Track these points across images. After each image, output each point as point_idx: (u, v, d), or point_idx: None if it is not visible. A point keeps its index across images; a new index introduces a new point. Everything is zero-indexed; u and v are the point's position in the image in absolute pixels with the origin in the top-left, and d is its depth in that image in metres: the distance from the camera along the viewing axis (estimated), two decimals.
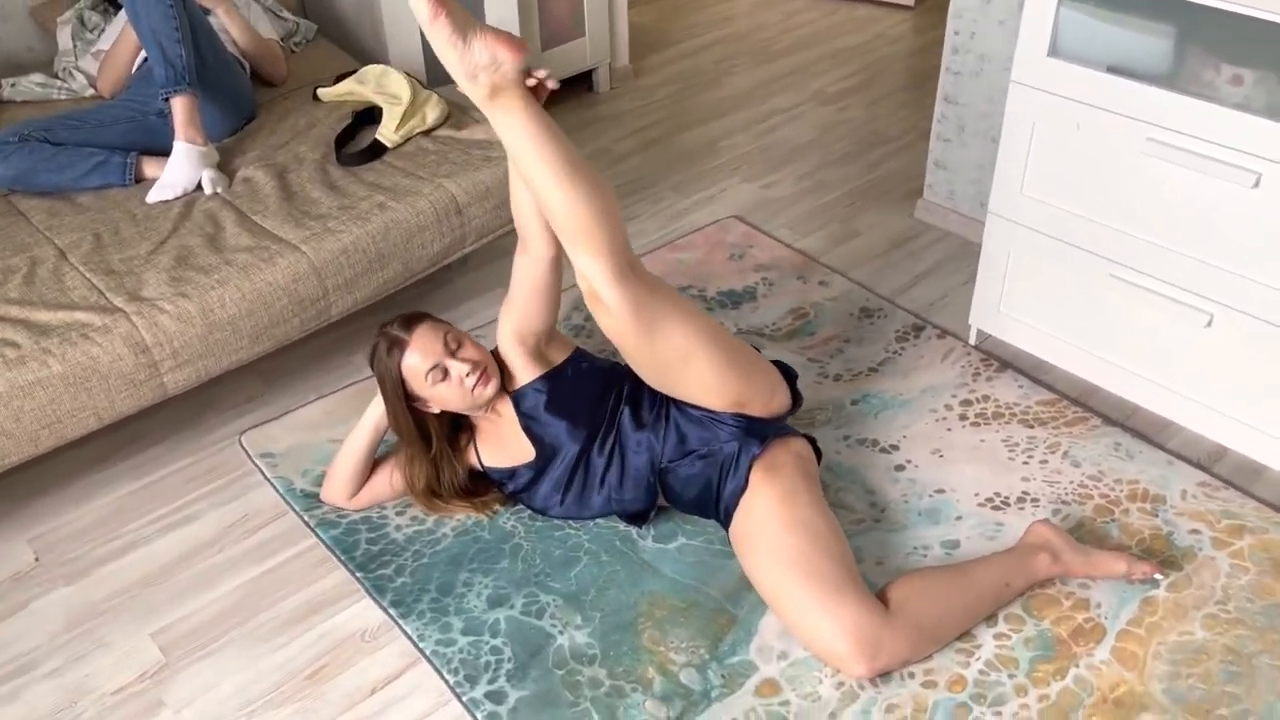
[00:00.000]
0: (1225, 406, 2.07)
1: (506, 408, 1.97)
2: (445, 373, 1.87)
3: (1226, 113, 1.82)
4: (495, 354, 2.00)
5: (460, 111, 2.60)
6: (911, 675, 1.74)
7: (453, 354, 1.87)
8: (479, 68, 1.58)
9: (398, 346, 1.86)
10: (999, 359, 2.40)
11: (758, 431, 1.87)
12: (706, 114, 3.56)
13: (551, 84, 1.66)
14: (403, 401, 1.89)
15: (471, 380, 1.87)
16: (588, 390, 1.96)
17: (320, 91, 2.68)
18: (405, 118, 2.46)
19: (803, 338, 2.50)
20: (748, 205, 3.04)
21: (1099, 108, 1.98)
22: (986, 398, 2.30)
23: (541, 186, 1.67)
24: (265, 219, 2.22)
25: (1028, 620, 1.82)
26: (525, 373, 1.97)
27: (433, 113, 2.51)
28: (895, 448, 2.19)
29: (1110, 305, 2.15)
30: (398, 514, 2.07)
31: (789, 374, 1.99)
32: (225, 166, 2.42)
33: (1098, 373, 2.25)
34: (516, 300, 1.93)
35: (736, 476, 1.85)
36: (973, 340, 2.46)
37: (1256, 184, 1.83)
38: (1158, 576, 1.86)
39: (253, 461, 2.21)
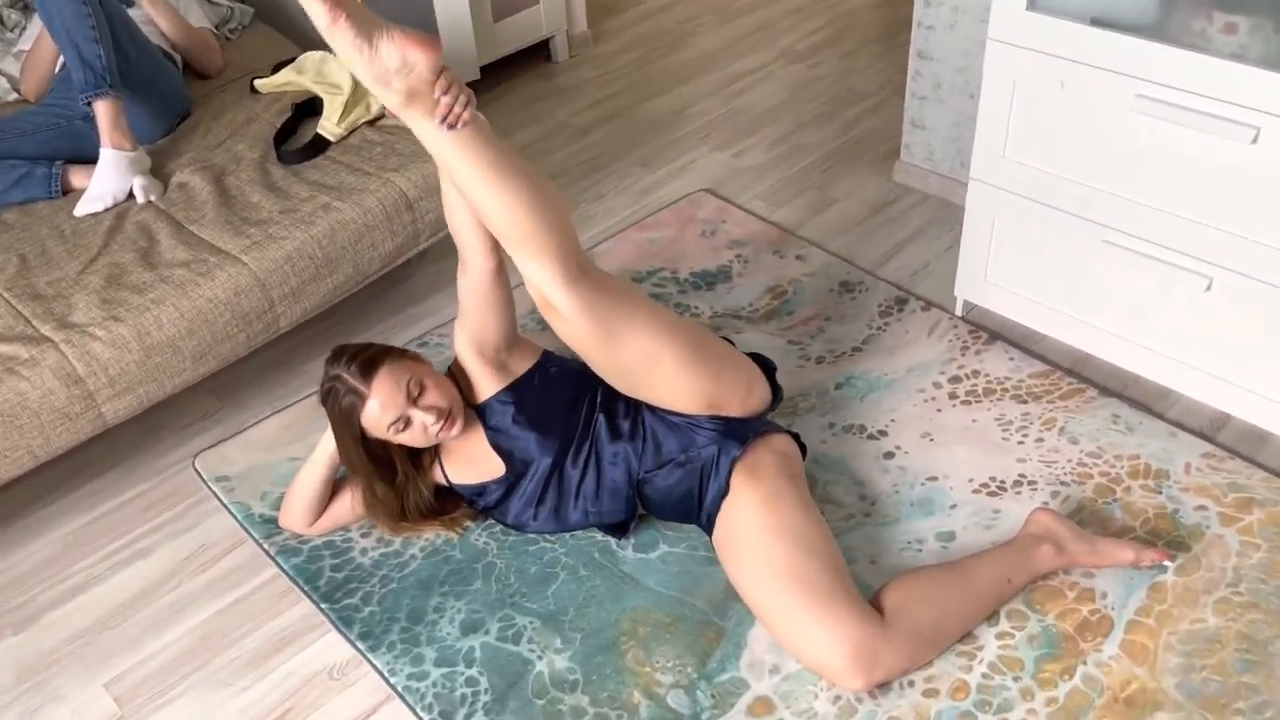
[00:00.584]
0: (1227, 372, 1.97)
1: (472, 423, 1.85)
2: (408, 421, 1.74)
3: (1220, 64, 1.69)
4: (455, 367, 1.88)
5: None
6: (911, 684, 1.65)
7: (415, 401, 1.73)
8: (390, 72, 1.44)
9: (355, 396, 1.71)
10: (988, 330, 2.29)
11: (737, 433, 1.76)
12: (671, 80, 3.41)
13: (465, 117, 1.48)
14: (360, 446, 1.76)
15: (436, 428, 1.74)
16: (558, 398, 1.84)
17: (258, 83, 2.52)
18: (347, 108, 2.31)
19: (781, 318, 2.38)
20: (719, 176, 2.90)
21: (1083, 64, 1.85)
22: (976, 373, 2.19)
23: (475, 192, 1.54)
24: (202, 228, 2.08)
25: (1031, 616, 1.72)
26: (488, 385, 1.84)
27: (376, 101, 2.36)
28: (883, 433, 2.08)
29: (1103, 271, 2.03)
30: (363, 536, 1.96)
31: (767, 367, 1.87)
32: (159, 171, 2.27)
33: (1091, 341, 2.14)
34: (468, 315, 1.80)
35: (717, 481, 1.74)
36: (959, 311, 2.34)
37: (1255, 139, 1.71)
38: (1166, 563, 1.76)
39: (208, 486, 2.09)
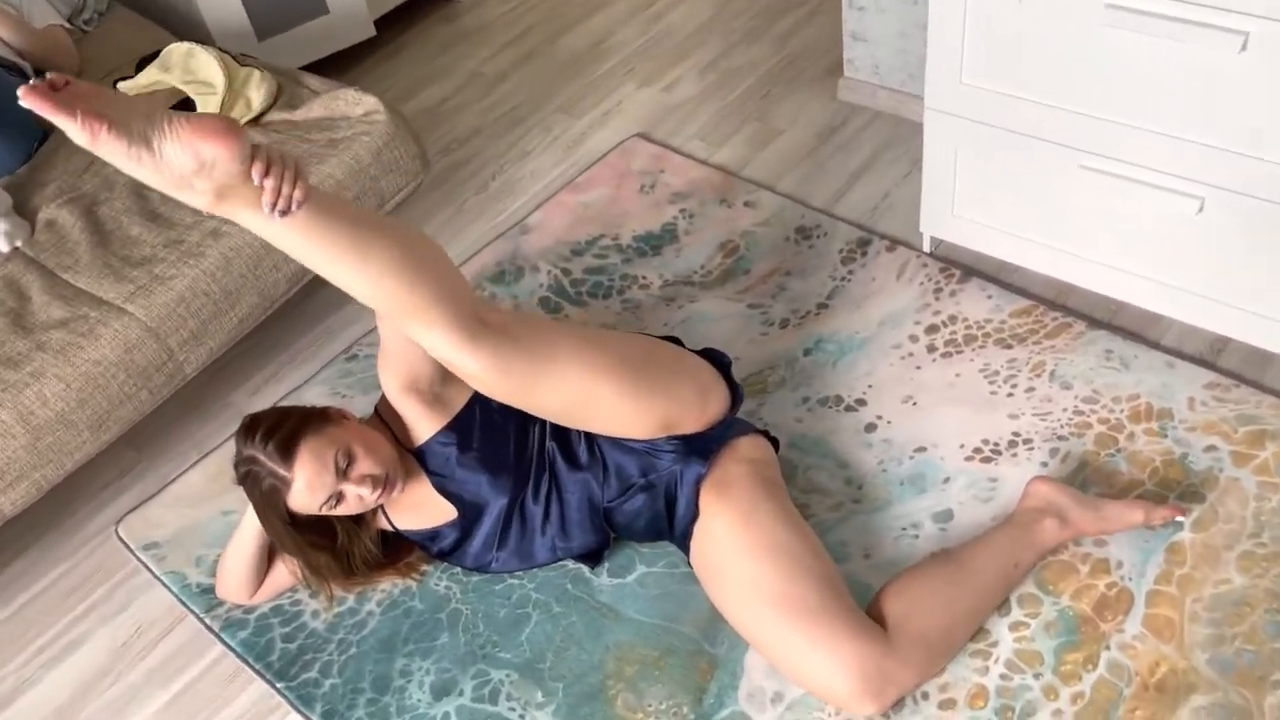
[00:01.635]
0: (1223, 295, 1.80)
1: (413, 468, 1.66)
2: (341, 497, 1.54)
3: None
4: (383, 406, 1.68)
5: (292, 83, 2.18)
6: (925, 696, 1.52)
7: (345, 474, 1.52)
8: (187, 175, 1.18)
9: (276, 479, 1.51)
10: (961, 266, 2.11)
11: (699, 448, 1.58)
12: (585, 7, 3.12)
13: (298, 196, 1.22)
14: (289, 526, 1.57)
15: (374, 496, 1.55)
16: (504, 430, 1.64)
17: (122, 85, 2.23)
18: (224, 109, 2.05)
19: (737, 279, 2.18)
20: (650, 117, 2.66)
21: None
22: (954, 318, 2.01)
23: (336, 277, 1.32)
24: (78, 276, 1.84)
25: (1044, 599, 1.59)
26: (425, 425, 1.64)
27: (257, 94, 2.10)
28: (862, 402, 1.91)
29: (1082, 198, 1.84)
30: (312, 596, 1.78)
31: (721, 362, 1.68)
32: (22, 208, 2.01)
33: (1072, 270, 1.97)
34: (392, 354, 1.59)
35: (685, 502, 1.58)
36: (927, 248, 2.16)
37: (1244, 46, 1.51)
38: (1180, 519, 1.63)
39: (135, 556, 1.90)
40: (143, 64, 2.25)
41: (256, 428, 1.53)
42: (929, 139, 1.96)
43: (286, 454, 1.49)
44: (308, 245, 1.28)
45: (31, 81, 1.10)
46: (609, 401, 1.47)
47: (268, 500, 1.52)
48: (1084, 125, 1.74)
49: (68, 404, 1.70)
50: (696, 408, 1.57)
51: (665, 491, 1.60)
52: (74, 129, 1.11)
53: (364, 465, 1.53)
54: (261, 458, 1.50)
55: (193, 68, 2.13)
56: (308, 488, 1.50)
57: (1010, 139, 1.84)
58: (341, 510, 1.56)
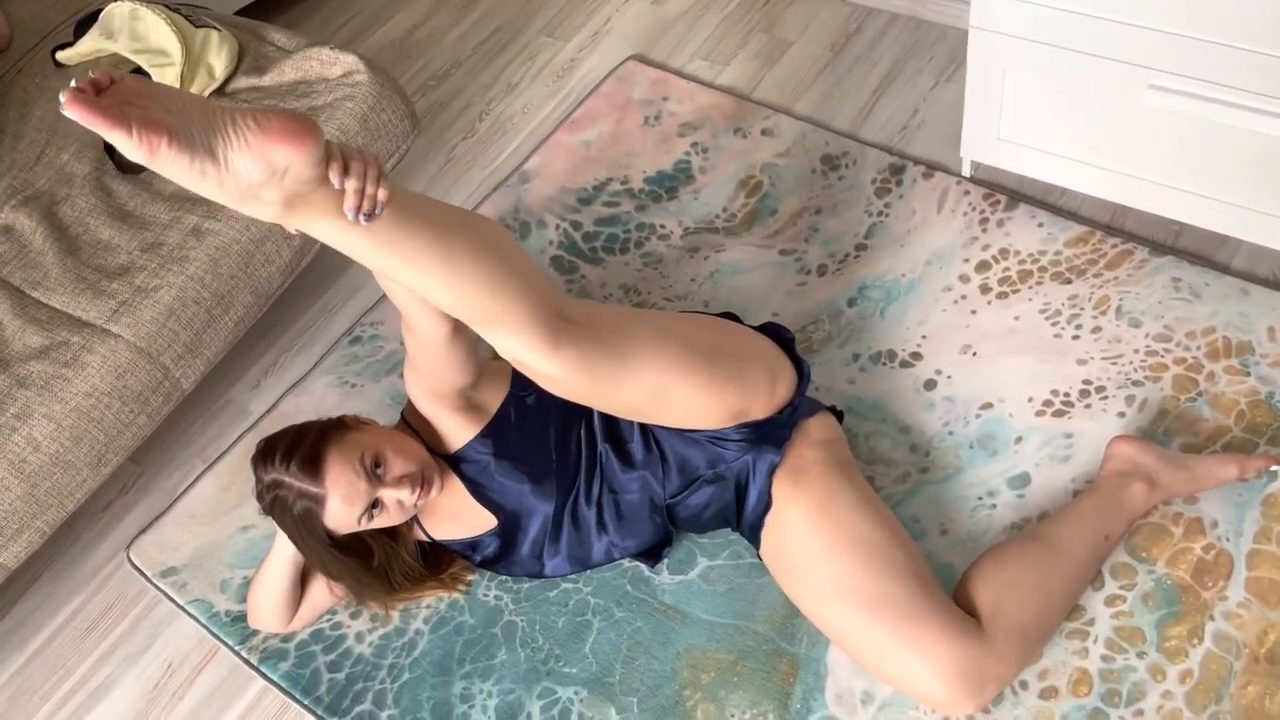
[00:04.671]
0: None
1: (447, 472, 1.53)
2: (378, 503, 1.41)
3: None
4: (410, 413, 1.54)
5: (254, 40, 1.94)
6: (1024, 685, 1.44)
7: (378, 478, 1.40)
8: (256, 185, 1.01)
9: (308, 500, 1.38)
10: (1006, 191, 1.95)
11: (771, 435, 1.46)
12: None
13: (382, 196, 1.06)
14: (329, 549, 1.45)
15: (413, 498, 1.42)
16: (543, 433, 1.51)
17: (61, 55, 1.99)
18: (185, 82, 1.82)
19: (764, 221, 2.02)
20: (644, 34, 2.43)
21: None
22: (1005, 252, 1.87)
23: (420, 286, 1.17)
24: (50, 294, 1.65)
25: (1139, 568, 1.50)
26: (458, 432, 1.51)
27: (219, 60, 1.86)
28: (918, 356, 1.78)
29: (1149, 120, 1.68)
30: (352, 617, 1.67)
31: (784, 338, 1.54)
32: None
33: (1130, 193, 1.81)
34: (422, 369, 1.44)
35: (757, 494, 1.47)
36: (966, 172, 1.99)
37: None
38: (1275, 468, 1.54)
39: (154, 585, 1.77)
40: (82, 27, 2.00)
41: (274, 450, 1.40)
42: (973, 59, 1.78)
43: (313, 469, 1.37)
44: (391, 255, 1.12)
45: (73, 83, 0.92)
46: (685, 395, 1.34)
47: (303, 524, 1.40)
48: (1156, 42, 1.57)
49: (61, 444, 1.54)
50: (766, 392, 1.43)
51: (736, 483, 1.48)
52: (129, 144, 0.94)
53: (396, 466, 1.41)
54: (287, 479, 1.37)
55: (140, 32, 1.88)
56: (343, 500, 1.38)
57: (1070, 58, 1.67)
58: (381, 520, 1.44)
